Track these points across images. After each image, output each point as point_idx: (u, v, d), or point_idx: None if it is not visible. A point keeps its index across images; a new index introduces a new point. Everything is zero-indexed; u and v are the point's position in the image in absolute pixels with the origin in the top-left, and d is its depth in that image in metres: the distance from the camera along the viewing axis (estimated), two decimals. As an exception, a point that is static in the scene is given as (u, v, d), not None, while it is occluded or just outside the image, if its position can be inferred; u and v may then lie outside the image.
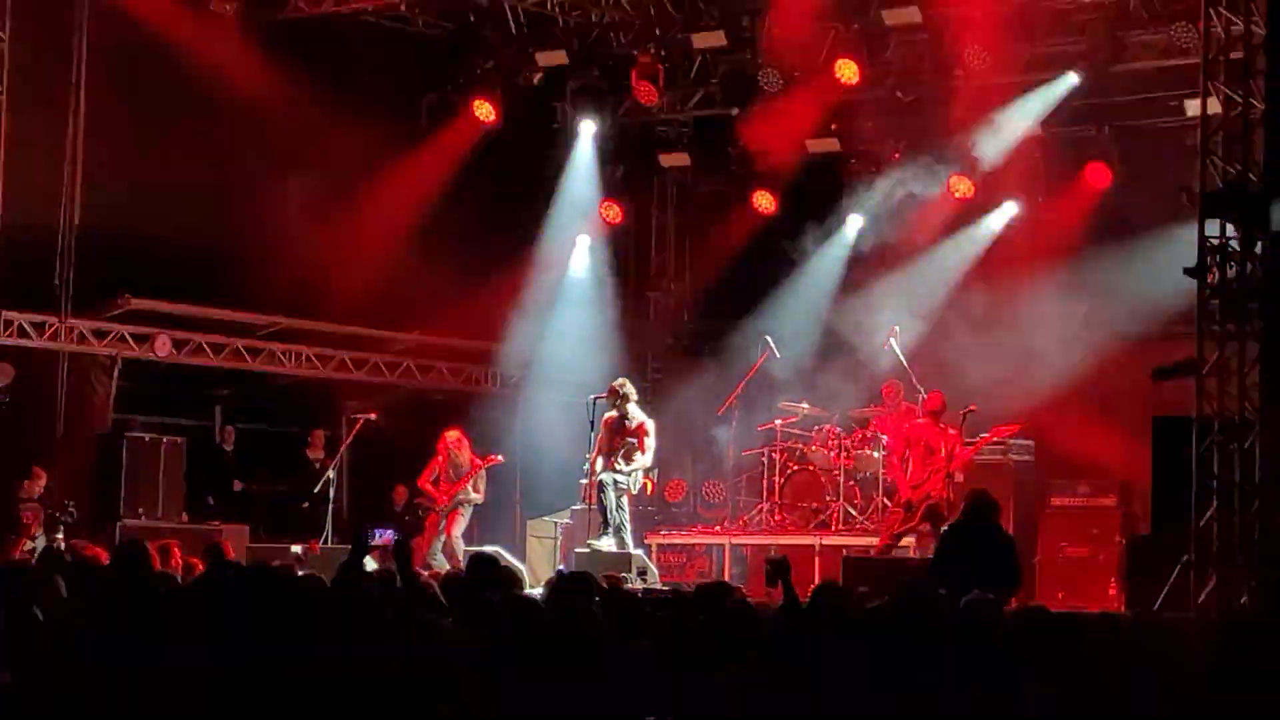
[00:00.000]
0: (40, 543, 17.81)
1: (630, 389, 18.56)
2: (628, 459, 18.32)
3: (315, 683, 6.79)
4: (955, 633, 7.59)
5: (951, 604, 10.66)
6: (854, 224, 22.13)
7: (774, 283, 22.33)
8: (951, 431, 18.20)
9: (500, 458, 19.54)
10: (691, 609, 9.10)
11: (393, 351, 22.73)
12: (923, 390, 19.17)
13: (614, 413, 18.51)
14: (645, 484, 19.19)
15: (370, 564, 12.11)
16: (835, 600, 8.18)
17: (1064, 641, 7.99)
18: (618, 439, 18.42)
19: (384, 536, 10.48)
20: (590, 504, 18.69)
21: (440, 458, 19.15)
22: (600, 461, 18.41)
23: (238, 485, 21.67)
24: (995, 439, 18.63)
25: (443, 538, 18.93)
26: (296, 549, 18.58)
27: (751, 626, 8.49)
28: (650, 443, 18.41)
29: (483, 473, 19.28)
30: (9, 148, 18.74)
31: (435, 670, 6.93)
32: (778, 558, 10.79)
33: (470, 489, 19.17)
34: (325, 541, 19.60)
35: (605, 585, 10.22)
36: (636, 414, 18.50)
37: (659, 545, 20.31)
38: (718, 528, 20.66)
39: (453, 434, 19.29)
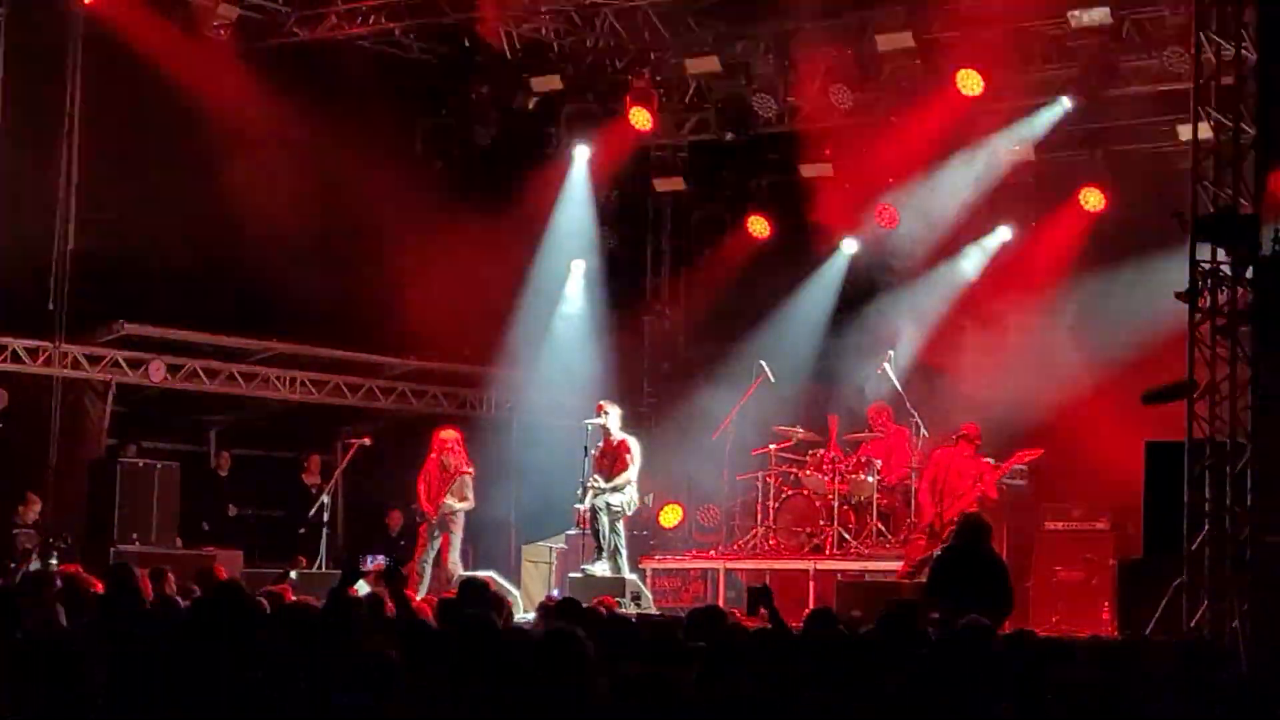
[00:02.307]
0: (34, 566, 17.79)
1: (613, 410, 18.67)
2: (608, 478, 18.41)
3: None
4: (944, 657, 7.60)
5: (945, 628, 10.68)
6: (848, 248, 22.25)
7: (769, 307, 22.36)
8: (983, 458, 18.41)
9: (470, 470, 19.36)
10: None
11: (387, 376, 22.74)
12: (915, 414, 19.34)
13: (602, 436, 18.62)
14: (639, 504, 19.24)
15: (363, 587, 12.11)
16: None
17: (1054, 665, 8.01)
18: (605, 461, 18.53)
19: (375, 561, 10.54)
20: (584, 529, 18.70)
21: (433, 454, 19.09)
22: (593, 486, 18.48)
23: (232, 510, 21.66)
24: (1019, 463, 18.76)
25: (433, 553, 18.86)
26: (293, 574, 18.61)
27: (745, 651, 8.51)
28: (631, 458, 18.48)
29: (466, 480, 19.10)
30: (4, 173, 18.75)
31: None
32: (759, 586, 10.80)
33: (453, 500, 19.01)
34: (320, 566, 19.62)
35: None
36: (617, 433, 18.62)
37: (654, 570, 20.32)
38: (712, 552, 20.66)
39: (448, 434, 19.19)
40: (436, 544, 18.91)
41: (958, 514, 18.07)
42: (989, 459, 18.70)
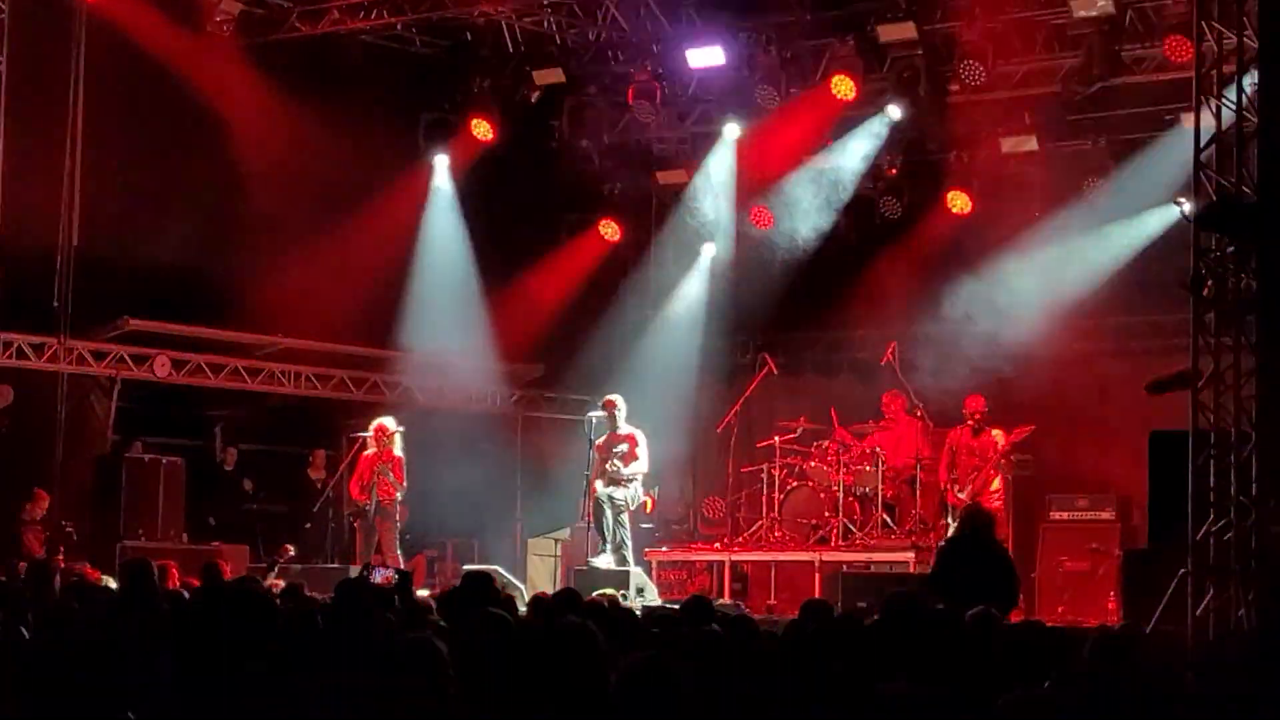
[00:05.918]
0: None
1: (620, 404, 18.67)
2: (624, 465, 18.42)
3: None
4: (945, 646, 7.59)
5: (951, 619, 10.66)
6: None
7: (770, 299, 22.35)
8: (988, 431, 18.57)
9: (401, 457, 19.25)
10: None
11: (392, 370, 22.74)
12: (920, 406, 19.36)
13: (608, 430, 18.62)
14: (645, 501, 19.23)
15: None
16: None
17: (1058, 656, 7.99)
18: (612, 454, 18.52)
19: (384, 574, 10.63)
20: (589, 522, 18.72)
21: (369, 452, 19.05)
22: (599, 479, 18.47)
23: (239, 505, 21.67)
24: (1016, 439, 18.86)
25: (372, 548, 18.69)
26: (297, 568, 18.60)
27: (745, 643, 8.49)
28: (643, 451, 18.49)
29: (384, 466, 19.05)
30: (7, 169, 18.76)
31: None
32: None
33: (374, 489, 18.92)
34: (326, 561, 19.63)
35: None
36: (624, 426, 18.63)
37: (659, 562, 20.33)
38: (717, 544, 20.66)
39: (386, 421, 19.15)
40: (375, 538, 18.86)
41: (973, 492, 18.19)
42: (995, 430, 18.83)
